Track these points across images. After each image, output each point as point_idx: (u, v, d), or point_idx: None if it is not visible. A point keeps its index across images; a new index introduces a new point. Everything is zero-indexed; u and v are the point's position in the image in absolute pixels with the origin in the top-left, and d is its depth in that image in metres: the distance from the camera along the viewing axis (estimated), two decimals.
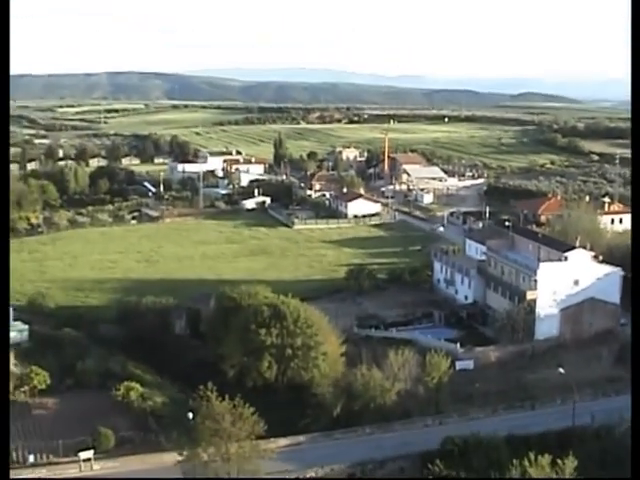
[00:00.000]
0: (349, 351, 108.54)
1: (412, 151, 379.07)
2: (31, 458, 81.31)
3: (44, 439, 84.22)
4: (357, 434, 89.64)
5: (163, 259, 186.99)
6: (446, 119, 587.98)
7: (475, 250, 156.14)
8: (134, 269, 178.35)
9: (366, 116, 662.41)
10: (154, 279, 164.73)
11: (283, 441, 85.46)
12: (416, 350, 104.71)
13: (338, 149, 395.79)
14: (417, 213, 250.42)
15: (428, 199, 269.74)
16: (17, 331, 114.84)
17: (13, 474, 72.33)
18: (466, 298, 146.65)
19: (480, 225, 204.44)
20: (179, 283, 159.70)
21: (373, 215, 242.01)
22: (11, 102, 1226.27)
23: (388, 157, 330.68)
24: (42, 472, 79.90)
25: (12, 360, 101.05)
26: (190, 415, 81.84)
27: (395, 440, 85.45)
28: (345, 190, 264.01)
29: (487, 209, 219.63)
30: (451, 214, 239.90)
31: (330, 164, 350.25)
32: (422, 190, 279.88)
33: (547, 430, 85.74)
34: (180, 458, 74.90)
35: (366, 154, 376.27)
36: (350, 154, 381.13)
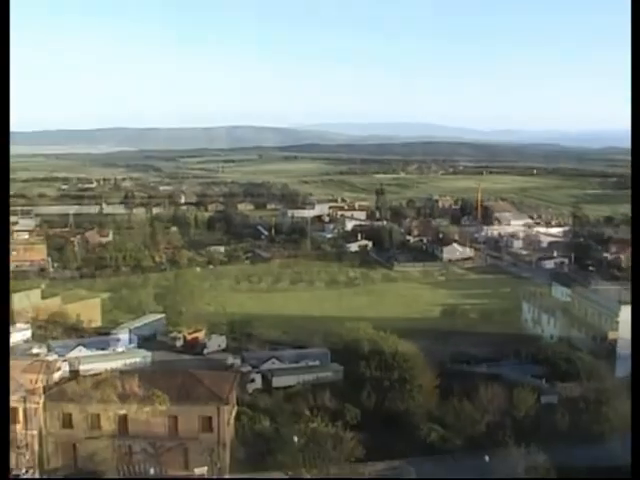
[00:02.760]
0: (442, 384, 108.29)
1: (502, 200, 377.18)
2: None
3: None
4: (448, 461, 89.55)
5: (273, 297, 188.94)
6: (534, 171, 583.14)
7: (561, 292, 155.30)
8: (245, 304, 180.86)
9: (460, 168, 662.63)
10: (265, 314, 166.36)
11: (380, 465, 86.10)
12: (504, 385, 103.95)
13: (434, 198, 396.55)
14: (507, 258, 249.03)
15: (517, 245, 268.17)
16: (334, 371, 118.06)
17: None
18: (552, 337, 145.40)
19: (566, 269, 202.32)
20: (288, 318, 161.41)
21: (466, 259, 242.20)
22: (139, 152, 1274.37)
23: (480, 205, 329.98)
24: None
25: (327, 396, 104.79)
26: (295, 439, 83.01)
27: (484, 467, 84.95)
28: (440, 235, 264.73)
29: (572, 254, 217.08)
30: (539, 259, 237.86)
31: (427, 211, 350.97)
32: (512, 236, 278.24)
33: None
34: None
35: (460, 202, 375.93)
36: (445, 202, 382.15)
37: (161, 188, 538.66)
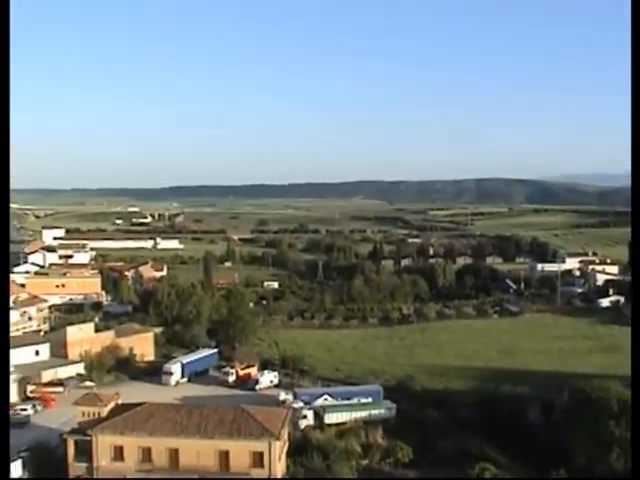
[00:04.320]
0: None
1: None
2: None
3: None
4: None
5: (521, 352, 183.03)
6: None
7: None
8: (494, 359, 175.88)
9: None
10: (511, 369, 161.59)
11: None
12: None
13: None
14: None
15: None
16: (386, 408, 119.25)
17: None
18: None
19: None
20: (534, 375, 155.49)
21: None
22: (388, 205, 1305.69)
23: None
24: None
25: (380, 433, 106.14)
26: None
27: None
28: None
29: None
30: None
31: None
32: None
33: None
34: None
35: None
36: None
37: (409, 240, 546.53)
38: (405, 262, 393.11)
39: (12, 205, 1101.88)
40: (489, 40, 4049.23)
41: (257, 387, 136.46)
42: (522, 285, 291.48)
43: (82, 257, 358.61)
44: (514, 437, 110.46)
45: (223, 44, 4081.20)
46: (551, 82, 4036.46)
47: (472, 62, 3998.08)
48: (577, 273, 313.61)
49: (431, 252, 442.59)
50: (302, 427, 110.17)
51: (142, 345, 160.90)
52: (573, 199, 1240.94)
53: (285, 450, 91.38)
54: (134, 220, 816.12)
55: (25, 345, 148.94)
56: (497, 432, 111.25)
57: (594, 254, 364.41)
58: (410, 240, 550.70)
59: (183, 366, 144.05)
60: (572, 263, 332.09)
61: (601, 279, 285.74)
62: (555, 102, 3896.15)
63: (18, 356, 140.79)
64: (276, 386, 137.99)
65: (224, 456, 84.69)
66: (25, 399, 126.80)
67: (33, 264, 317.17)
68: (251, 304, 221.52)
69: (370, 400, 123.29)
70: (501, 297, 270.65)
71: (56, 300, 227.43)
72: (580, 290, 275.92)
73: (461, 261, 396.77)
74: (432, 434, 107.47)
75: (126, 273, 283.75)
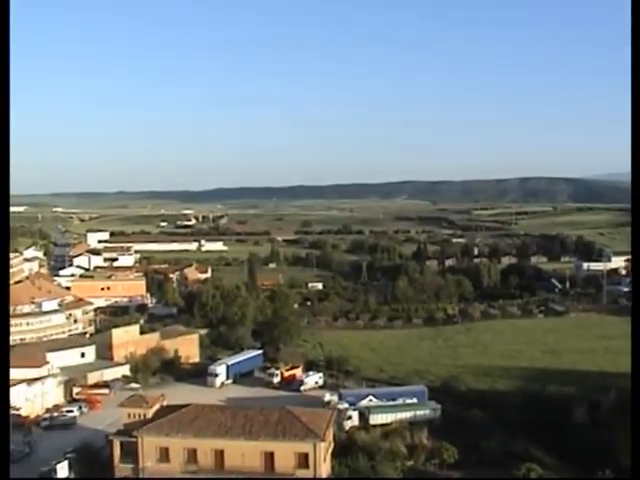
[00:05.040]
0: None
1: None
2: None
3: None
4: None
5: (566, 351, 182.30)
6: None
7: None
8: (539, 359, 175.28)
9: None
10: (557, 369, 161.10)
11: None
12: None
13: None
14: None
15: None
16: (431, 409, 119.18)
17: None
18: None
19: None
20: (580, 374, 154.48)
21: None
22: (431, 205, 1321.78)
23: None
24: None
25: (425, 434, 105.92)
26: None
27: None
28: None
29: None
30: None
31: None
32: None
33: None
34: None
35: None
36: None
37: (454, 240, 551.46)
38: (449, 262, 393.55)
39: (57, 209, 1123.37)
40: (537, 39, 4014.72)
41: (302, 388, 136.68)
42: (567, 284, 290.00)
43: (127, 260, 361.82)
44: (560, 437, 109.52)
45: (271, 45, 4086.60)
46: (599, 81, 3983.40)
47: (516, 61, 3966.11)
48: (623, 272, 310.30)
49: (475, 252, 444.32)
50: (347, 428, 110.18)
51: (187, 347, 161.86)
52: (619, 197, 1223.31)
53: (330, 451, 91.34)
54: (178, 222, 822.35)
55: (71, 347, 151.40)
56: (543, 432, 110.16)
57: None
58: (454, 240, 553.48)
59: (228, 367, 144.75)
60: (618, 262, 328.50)
61: None
62: (602, 99, 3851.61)
63: (64, 358, 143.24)
64: (321, 387, 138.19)
65: (269, 457, 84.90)
66: (71, 401, 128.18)
67: (78, 267, 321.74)
68: (295, 305, 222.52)
69: (415, 401, 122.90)
70: (546, 296, 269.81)
71: (101, 303, 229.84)
72: (626, 289, 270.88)
73: (506, 261, 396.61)
74: (477, 435, 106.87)
75: (171, 275, 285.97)
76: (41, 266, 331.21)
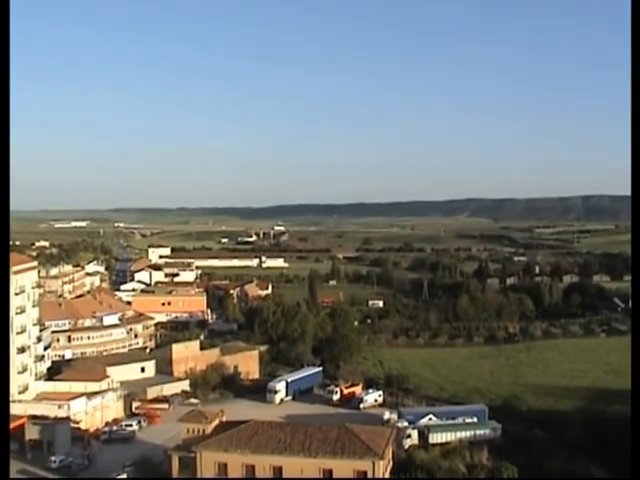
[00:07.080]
0: None
1: None
2: None
3: None
4: None
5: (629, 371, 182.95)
6: None
7: None
8: (601, 379, 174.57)
9: None
10: (620, 390, 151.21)
11: None
12: None
13: None
14: None
15: None
16: (491, 429, 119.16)
17: None
18: None
19: None
20: None
21: None
22: (493, 223, 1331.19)
23: None
24: None
25: (485, 454, 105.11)
26: None
27: None
28: None
29: None
30: None
31: None
32: None
33: None
34: None
35: None
36: None
37: (515, 259, 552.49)
38: (511, 280, 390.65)
39: (119, 224, 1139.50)
40: (598, 52, 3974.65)
41: (361, 406, 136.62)
42: (630, 304, 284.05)
43: (188, 275, 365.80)
44: (622, 458, 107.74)
45: (319, 58, 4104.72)
46: None
47: (577, 75, 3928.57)
48: None
49: (537, 270, 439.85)
50: (406, 446, 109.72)
51: (247, 363, 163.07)
52: None
53: (389, 469, 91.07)
54: (239, 239, 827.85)
55: (131, 362, 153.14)
56: (604, 453, 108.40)
57: None
58: (516, 258, 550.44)
59: (288, 384, 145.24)
60: None
61: None
62: None
63: (124, 373, 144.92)
64: (380, 405, 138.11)
65: (328, 474, 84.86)
66: (131, 415, 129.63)
67: (139, 282, 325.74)
68: (356, 322, 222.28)
69: (475, 420, 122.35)
70: (609, 316, 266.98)
71: (162, 318, 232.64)
72: None
73: (567, 279, 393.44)
74: (538, 455, 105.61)
75: (231, 291, 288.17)
76: (102, 281, 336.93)
